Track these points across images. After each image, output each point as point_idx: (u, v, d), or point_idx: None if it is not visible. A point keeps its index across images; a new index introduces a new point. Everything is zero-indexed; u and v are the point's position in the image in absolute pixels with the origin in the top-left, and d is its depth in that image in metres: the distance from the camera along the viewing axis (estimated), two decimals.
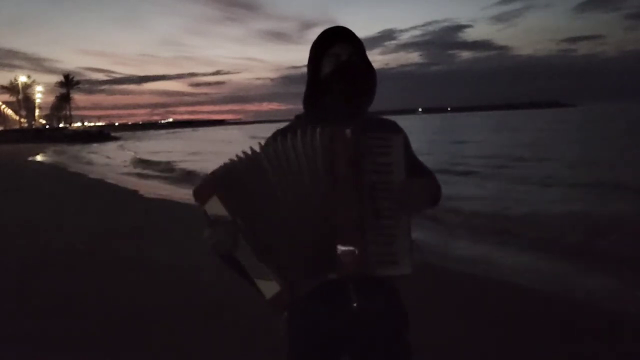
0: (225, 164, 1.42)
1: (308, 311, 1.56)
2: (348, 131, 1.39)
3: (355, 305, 1.51)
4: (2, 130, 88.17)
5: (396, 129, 1.59)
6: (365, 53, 1.59)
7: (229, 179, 1.40)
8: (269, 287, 1.40)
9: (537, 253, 6.43)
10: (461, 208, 8.90)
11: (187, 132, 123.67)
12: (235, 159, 1.42)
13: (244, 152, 1.42)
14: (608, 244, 6.59)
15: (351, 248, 1.38)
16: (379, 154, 1.41)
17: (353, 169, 1.38)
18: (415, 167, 1.60)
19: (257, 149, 1.42)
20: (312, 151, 1.39)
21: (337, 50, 1.54)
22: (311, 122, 1.47)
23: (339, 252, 1.39)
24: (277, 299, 1.40)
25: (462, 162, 19.35)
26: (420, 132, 48.08)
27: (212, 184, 1.41)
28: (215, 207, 1.38)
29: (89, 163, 26.91)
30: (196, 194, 1.41)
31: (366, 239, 1.39)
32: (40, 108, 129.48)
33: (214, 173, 1.43)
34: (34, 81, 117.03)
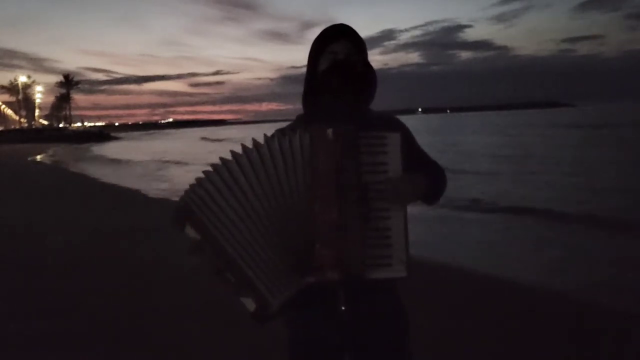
0: (194, 185, 1.38)
1: (301, 316, 1.55)
2: (329, 131, 1.36)
3: (343, 308, 1.48)
4: (1, 131, 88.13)
5: (396, 127, 1.55)
6: (366, 52, 1.57)
7: (198, 203, 1.37)
8: (249, 303, 1.41)
9: (538, 251, 6.44)
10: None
11: (169, 132, 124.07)
12: (206, 174, 1.38)
13: (215, 165, 1.38)
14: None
15: (329, 250, 1.35)
16: (373, 153, 1.38)
17: (336, 169, 1.35)
18: (419, 162, 1.57)
19: (229, 157, 1.37)
20: (291, 154, 1.36)
21: (336, 47, 1.53)
22: (309, 121, 1.46)
23: (316, 254, 1.36)
24: (257, 314, 1.40)
25: None
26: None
27: (183, 212, 1.39)
28: (192, 232, 1.39)
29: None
30: (173, 222, 1.41)
31: (350, 241, 1.36)
32: (40, 108, 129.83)
33: (183, 199, 1.39)
34: (34, 81, 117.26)
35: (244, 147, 1.39)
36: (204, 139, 57.60)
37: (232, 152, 1.38)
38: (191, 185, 1.39)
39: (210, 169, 1.38)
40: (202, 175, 1.38)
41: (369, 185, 1.38)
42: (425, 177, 1.48)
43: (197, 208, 1.37)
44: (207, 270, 1.40)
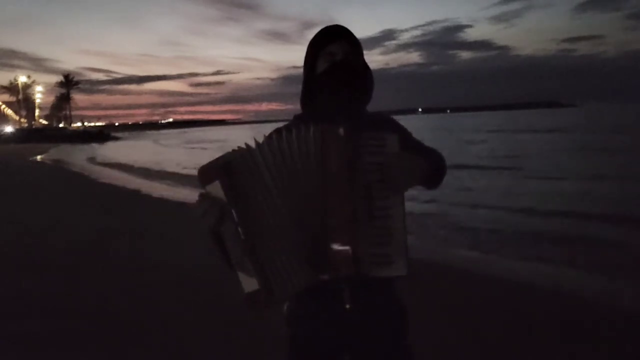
0: (234, 151, 1.41)
1: (303, 313, 1.55)
2: (341, 129, 1.37)
3: (348, 306, 1.49)
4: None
5: (393, 127, 1.58)
6: (362, 53, 1.58)
7: (234, 168, 1.38)
8: (249, 282, 1.38)
9: (539, 252, 6.44)
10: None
11: (158, 133, 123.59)
12: (241, 148, 1.41)
13: (242, 147, 1.40)
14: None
15: (344, 247, 1.37)
16: (373, 153, 1.40)
17: (347, 167, 1.37)
18: (417, 152, 1.55)
19: (252, 144, 1.40)
20: (306, 148, 1.37)
21: (333, 49, 1.54)
22: (308, 121, 1.47)
23: (331, 251, 1.37)
24: (254, 297, 1.38)
25: None
26: None
27: (218, 168, 1.39)
28: (216, 190, 1.38)
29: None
30: (201, 173, 1.40)
31: (359, 238, 1.38)
32: (40, 108, 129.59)
33: (222, 157, 1.40)
34: (34, 81, 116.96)
35: (265, 137, 1.41)
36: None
37: (256, 141, 1.40)
38: (234, 151, 1.41)
39: (243, 147, 1.40)
40: (241, 147, 1.40)
41: (371, 184, 1.39)
42: (424, 158, 1.49)
43: (235, 172, 1.38)
44: (210, 236, 1.39)
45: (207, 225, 1.38)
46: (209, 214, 1.36)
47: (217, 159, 1.40)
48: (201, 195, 1.39)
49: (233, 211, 1.37)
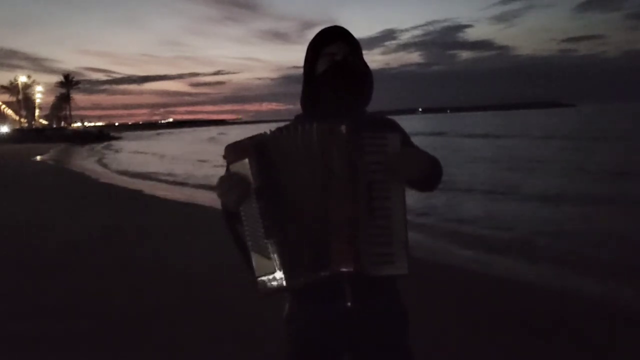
0: (263, 134, 1.43)
1: (304, 313, 1.55)
2: (343, 127, 1.38)
3: (349, 304, 1.50)
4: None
5: (393, 128, 1.58)
6: (362, 54, 1.59)
7: (266, 149, 1.40)
8: (264, 266, 1.38)
9: (539, 252, 6.44)
10: None
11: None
12: (262, 134, 1.43)
13: (262, 133, 1.43)
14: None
15: (345, 246, 1.37)
16: (375, 152, 1.40)
17: (349, 165, 1.38)
18: None
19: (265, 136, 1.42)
20: (310, 145, 1.39)
21: (333, 49, 1.55)
22: (308, 121, 1.48)
23: (332, 249, 1.37)
24: (267, 281, 1.38)
25: None
26: None
27: (250, 147, 1.39)
28: (243, 170, 1.38)
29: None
30: (229, 151, 1.41)
31: (360, 237, 1.38)
32: (40, 108, 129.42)
33: (252, 138, 1.42)
34: (34, 81, 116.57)
35: (275, 133, 1.44)
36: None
37: (272, 132, 1.42)
38: (262, 134, 1.43)
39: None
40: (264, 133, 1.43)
41: (372, 183, 1.40)
42: (427, 156, 1.50)
43: (264, 154, 1.39)
44: (228, 200, 1.39)
45: (228, 203, 1.40)
46: (233, 191, 1.38)
47: (246, 139, 1.42)
48: (225, 175, 1.41)
49: (258, 191, 1.38)
